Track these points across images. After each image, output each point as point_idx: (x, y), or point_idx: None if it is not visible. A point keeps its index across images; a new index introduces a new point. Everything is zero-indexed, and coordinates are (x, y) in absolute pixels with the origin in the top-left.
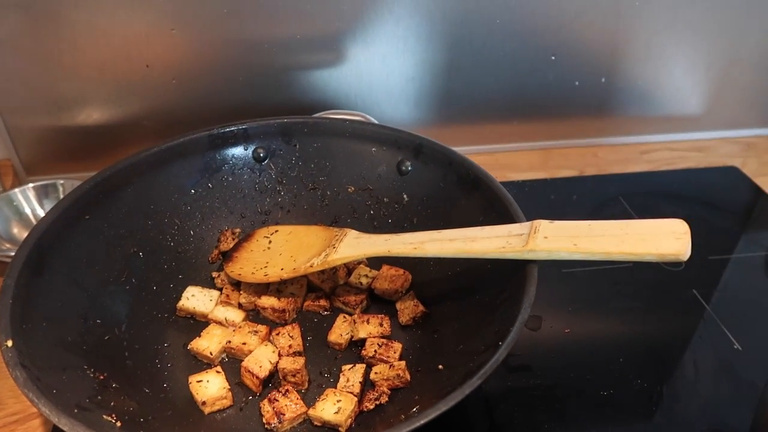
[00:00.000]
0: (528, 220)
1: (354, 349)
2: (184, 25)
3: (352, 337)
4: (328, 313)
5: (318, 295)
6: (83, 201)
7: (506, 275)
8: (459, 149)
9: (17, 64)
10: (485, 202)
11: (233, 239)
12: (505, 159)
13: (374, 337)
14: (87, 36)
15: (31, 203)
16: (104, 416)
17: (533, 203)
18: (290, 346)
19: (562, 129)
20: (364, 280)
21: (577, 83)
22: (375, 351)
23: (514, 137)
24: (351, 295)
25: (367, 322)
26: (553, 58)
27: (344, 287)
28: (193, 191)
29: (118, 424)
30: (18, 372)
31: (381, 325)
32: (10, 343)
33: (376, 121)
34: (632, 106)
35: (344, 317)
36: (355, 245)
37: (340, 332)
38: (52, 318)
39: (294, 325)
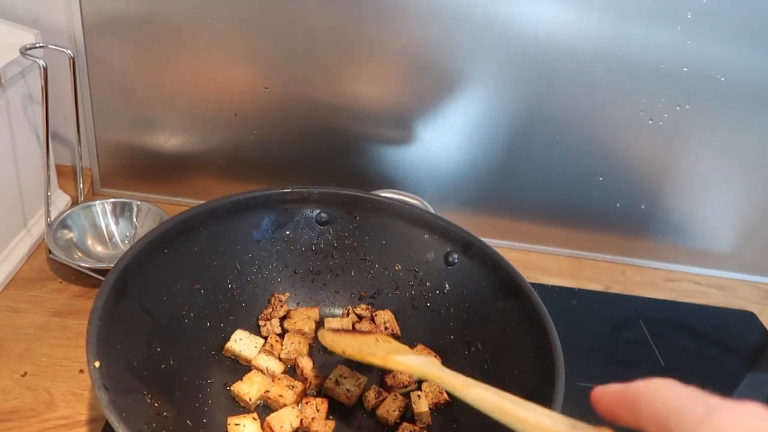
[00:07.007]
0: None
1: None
2: (277, 85)
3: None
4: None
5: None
6: (166, 236)
7: (533, 386)
8: (498, 241)
9: (123, 85)
10: (522, 311)
11: (280, 305)
12: (537, 260)
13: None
14: (190, 77)
15: (107, 217)
16: None
17: (557, 309)
18: (313, 419)
19: (596, 242)
20: None
21: (618, 205)
22: None
23: (549, 241)
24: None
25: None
26: (600, 179)
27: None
28: (257, 241)
29: None
30: (102, 393)
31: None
32: (97, 364)
33: (432, 210)
34: (666, 234)
35: (395, 395)
36: (417, 359)
37: (387, 408)
38: (124, 342)
39: (324, 400)
